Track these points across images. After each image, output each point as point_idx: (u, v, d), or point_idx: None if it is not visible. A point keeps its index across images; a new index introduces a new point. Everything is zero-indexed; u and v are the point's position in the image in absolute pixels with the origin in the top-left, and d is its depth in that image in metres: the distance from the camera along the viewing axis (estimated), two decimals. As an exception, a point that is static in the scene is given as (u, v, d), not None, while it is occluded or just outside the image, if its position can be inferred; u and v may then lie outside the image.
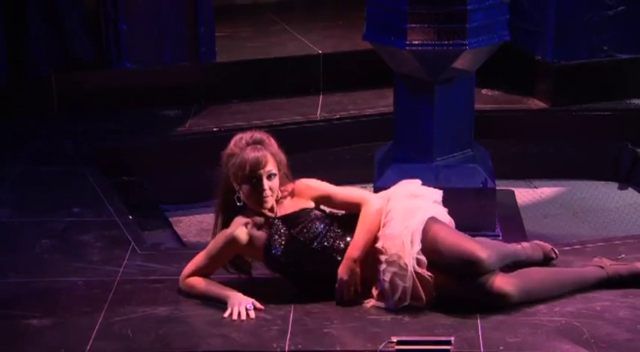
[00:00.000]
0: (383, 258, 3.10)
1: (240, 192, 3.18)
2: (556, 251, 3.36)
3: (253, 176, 3.14)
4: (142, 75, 5.04)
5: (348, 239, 3.17)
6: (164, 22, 5.02)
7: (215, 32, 5.14)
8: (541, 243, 3.38)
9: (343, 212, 3.29)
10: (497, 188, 4.13)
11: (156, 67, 5.05)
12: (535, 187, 4.89)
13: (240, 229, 3.18)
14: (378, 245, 3.13)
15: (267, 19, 5.90)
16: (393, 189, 3.32)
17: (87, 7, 5.00)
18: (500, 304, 3.09)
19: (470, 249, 3.03)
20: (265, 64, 5.21)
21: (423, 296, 3.08)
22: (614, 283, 3.20)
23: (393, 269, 3.08)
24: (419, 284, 3.07)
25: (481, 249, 3.04)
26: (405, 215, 3.14)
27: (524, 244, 3.36)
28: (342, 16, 5.85)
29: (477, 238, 3.18)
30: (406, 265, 3.06)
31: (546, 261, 3.34)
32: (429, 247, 3.07)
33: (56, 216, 3.86)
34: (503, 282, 3.09)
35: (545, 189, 4.87)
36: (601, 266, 3.23)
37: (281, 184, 3.21)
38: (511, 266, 3.22)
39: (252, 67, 5.20)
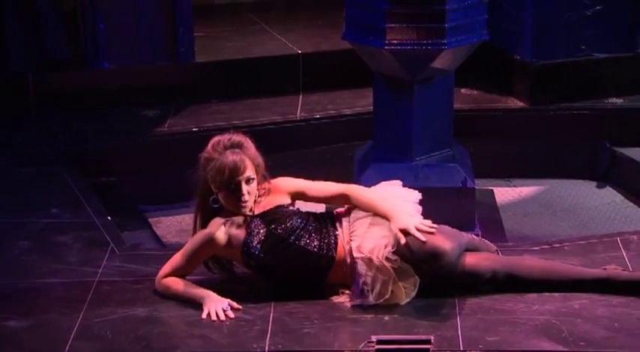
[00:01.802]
0: (359, 255, 3.11)
1: (218, 195, 3.18)
2: (499, 252, 3.39)
3: (232, 181, 3.13)
4: (121, 75, 5.01)
5: (324, 233, 3.17)
6: (142, 21, 4.99)
7: (194, 32, 5.12)
8: (489, 243, 3.41)
9: (318, 210, 3.31)
10: (476, 187, 4.15)
11: (134, 66, 5.03)
12: (514, 186, 4.91)
13: (218, 229, 3.18)
14: (354, 245, 3.14)
15: (247, 19, 5.89)
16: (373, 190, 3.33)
17: (64, 7, 4.97)
18: (480, 282, 3.15)
19: (434, 243, 3.05)
20: (245, 64, 5.20)
21: (403, 290, 3.10)
22: (611, 286, 3.17)
23: (371, 264, 3.09)
24: (397, 278, 3.08)
25: (444, 241, 3.07)
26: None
27: (474, 236, 3.40)
28: (322, 15, 5.84)
29: (439, 227, 3.20)
30: (379, 260, 3.07)
31: None
32: (399, 245, 3.09)
33: (34, 217, 3.83)
34: (474, 261, 3.15)
35: (524, 188, 4.89)
36: (604, 268, 3.24)
37: (259, 184, 3.21)
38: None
39: (232, 67, 5.19)
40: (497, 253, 3.37)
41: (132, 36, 4.98)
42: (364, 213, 3.22)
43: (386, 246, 3.10)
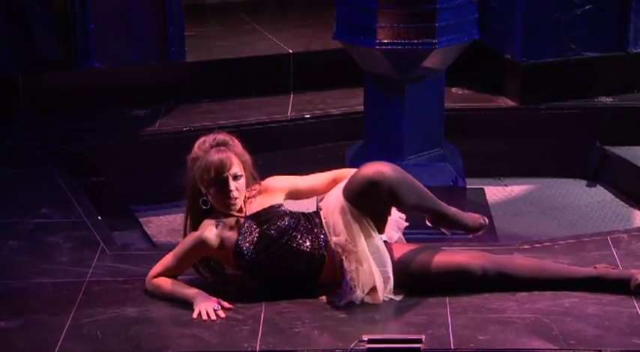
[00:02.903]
0: (340, 249, 3.13)
1: (207, 196, 3.17)
2: (485, 219, 3.24)
3: (219, 179, 3.12)
4: (111, 74, 5.00)
5: (315, 233, 3.17)
6: (133, 21, 4.99)
7: (185, 31, 5.12)
8: (470, 213, 3.29)
9: (311, 210, 3.30)
10: (467, 186, 4.16)
11: (125, 66, 5.02)
12: (505, 185, 4.92)
13: (210, 231, 3.17)
14: (332, 242, 3.15)
15: (237, 19, 5.89)
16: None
17: (54, 7, 4.96)
18: (470, 280, 3.15)
19: (369, 170, 3.05)
20: (235, 64, 5.20)
21: (379, 272, 3.10)
22: (601, 284, 3.18)
23: (351, 255, 3.10)
24: (373, 262, 3.09)
25: (381, 165, 3.05)
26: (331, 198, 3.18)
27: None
28: (313, 15, 5.85)
29: None
30: (355, 245, 3.07)
31: (473, 229, 3.23)
32: (352, 203, 3.07)
33: (24, 217, 3.82)
34: (464, 259, 3.16)
35: (515, 187, 4.90)
36: (594, 267, 3.25)
37: (248, 184, 3.20)
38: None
39: (222, 67, 5.19)
40: (483, 219, 3.22)
41: (122, 36, 4.98)
42: (329, 203, 3.19)
43: (343, 217, 3.07)
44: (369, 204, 3.08)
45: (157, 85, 5.08)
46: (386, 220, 3.18)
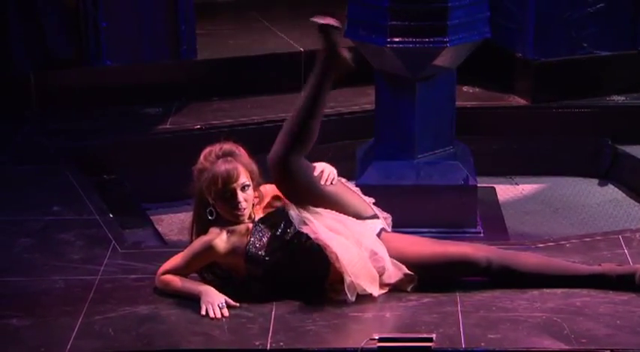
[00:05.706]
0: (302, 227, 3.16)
1: (214, 206, 3.16)
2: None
3: (227, 190, 3.12)
4: (123, 72, 5.01)
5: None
6: (144, 19, 5.00)
7: (196, 29, 5.13)
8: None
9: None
10: (478, 185, 4.15)
11: (136, 64, 5.03)
12: (516, 184, 4.92)
13: (219, 238, 3.16)
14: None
15: (249, 17, 5.89)
16: None
17: (66, 4, 4.97)
18: (475, 272, 3.17)
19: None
20: (247, 62, 5.20)
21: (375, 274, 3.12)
22: (607, 281, 3.18)
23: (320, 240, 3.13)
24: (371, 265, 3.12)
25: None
26: None
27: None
28: (324, 13, 5.83)
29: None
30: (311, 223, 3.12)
31: None
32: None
33: (36, 215, 3.83)
34: (470, 250, 3.17)
35: (526, 185, 4.89)
36: (599, 265, 3.24)
37: (255, 193, 3.19)
38: None
39: (234, 65, 5.19)
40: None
41: (134, 34, 4.98)
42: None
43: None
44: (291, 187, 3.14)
45: (169, 82, 5.09)
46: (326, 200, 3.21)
